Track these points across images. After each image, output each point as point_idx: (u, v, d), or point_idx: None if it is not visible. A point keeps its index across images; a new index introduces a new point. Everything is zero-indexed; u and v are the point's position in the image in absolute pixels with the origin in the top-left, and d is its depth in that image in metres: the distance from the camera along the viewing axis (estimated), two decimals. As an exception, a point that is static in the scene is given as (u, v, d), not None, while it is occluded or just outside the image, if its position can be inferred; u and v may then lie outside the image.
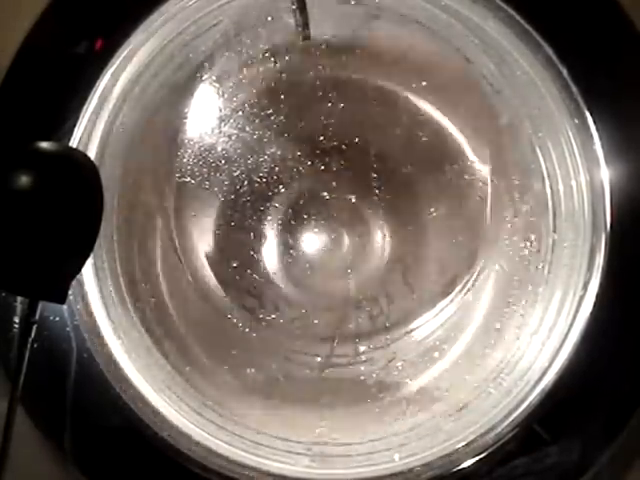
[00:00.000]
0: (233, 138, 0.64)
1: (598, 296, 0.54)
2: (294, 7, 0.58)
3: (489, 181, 0.64)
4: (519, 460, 0.54)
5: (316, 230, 0.66)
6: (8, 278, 0.45)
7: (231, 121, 0.64)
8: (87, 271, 0.56)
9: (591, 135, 0.54)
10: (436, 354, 0.64)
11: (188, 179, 0.64)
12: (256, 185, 0.65)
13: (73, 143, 0.54)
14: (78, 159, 0.48)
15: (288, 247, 0.66)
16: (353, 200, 0.66)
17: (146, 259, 0.63)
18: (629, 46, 0.54)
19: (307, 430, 0.60)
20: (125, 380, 0.55)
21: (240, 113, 0.64)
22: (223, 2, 0.58)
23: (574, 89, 0.54)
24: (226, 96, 0.64)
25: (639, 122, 0.54)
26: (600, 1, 0.54)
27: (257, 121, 0.64)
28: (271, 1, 0.60)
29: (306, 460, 0.57)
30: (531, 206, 0.61)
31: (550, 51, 0.54)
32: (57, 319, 0.54)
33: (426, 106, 0.65)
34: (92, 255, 0.50)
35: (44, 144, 0.47)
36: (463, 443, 0.55)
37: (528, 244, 0.61)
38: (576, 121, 0.55)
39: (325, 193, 0.66)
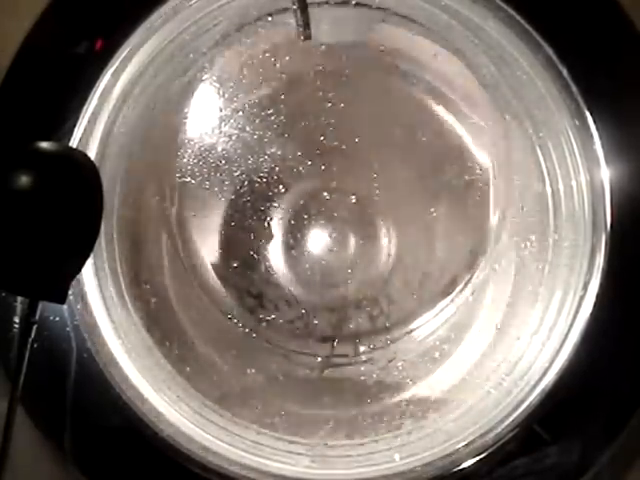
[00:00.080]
0: (233, 138, 0.64)
1: (598, 296, 0.54)
2: (294, 7, 0.58)
3: (489, 181, 0.64)
4: (519, 460, 0.54)
5: (316, 230, 0.66)
6: (8, 278, 0.45)
7: (231, 121, 0.64)
8: (87, 271, 0.56)
9: (591, 135, 0.54)
10: (436, 354, 0.64)
11: (188, 179, 0.64)
12: (256, 185, 0.65)
13: (73, 143, 0.54)
14: (78, 159, 0.48)
15: (288, 247, 0.66)
16: (353, 200, 0.66)
17: (146, 259, 0.63)
18: (629, 46, 0.54)
19: (307, 430, 0.60)
20: (125, 380, 0.55)
21: (240, 113, 0.64)
22: (223, 2, 0.58)
23: (574, 89, 0.54)
24: (226, 96, 0.64)
25: (639, 122, 0.54)
26: (600, 1, 0.54)
27: (257, 121, 0.64)
28: (271, 1, 0.60)
29: (306, 460, 0.57)
30: (531, 206, 0.61)
31: (550, 51, 0.54)
32: (57, 319, 0.54)
33: (426, 106, 0.65)
34: (92, 255, 0.50)
35: (44, 144, 0.47)
36: (463, 443, 0.55)
37: (528, 244, 0.61)
38: (576, 121, 0.55)
39: (325, 193, 0.66)
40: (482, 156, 0.65)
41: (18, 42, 0.53)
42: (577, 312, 0.55)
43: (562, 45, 0.54)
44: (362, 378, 0.64)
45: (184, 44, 0.59)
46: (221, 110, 0.64)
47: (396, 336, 0.66)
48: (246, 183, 0.65)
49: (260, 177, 0.65)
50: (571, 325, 0.55)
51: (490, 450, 0.54)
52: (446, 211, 0.66)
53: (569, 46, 0.54)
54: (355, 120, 0.64)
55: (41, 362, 0.53)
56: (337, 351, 0.66)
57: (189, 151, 0.64)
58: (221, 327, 0.65)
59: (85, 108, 0.54)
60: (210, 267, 0.66)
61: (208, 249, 0.66)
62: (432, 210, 0.66)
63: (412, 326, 0.66)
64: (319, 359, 0.65)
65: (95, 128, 0.55)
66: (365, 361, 0.65)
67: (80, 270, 0.48)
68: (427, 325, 0.66)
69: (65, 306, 0.53)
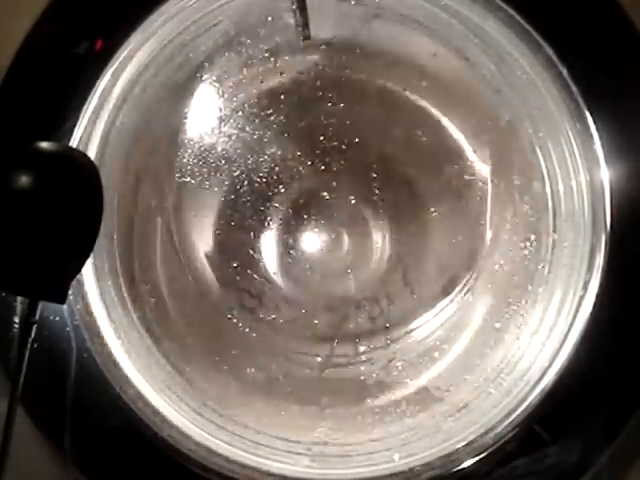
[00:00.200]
0: (233, 138, 0.64)
1: (598, 296, 0.54)
2: (294, 7, 0.58)
3: (489, 181, 0.64)
4: (519, 460, 0.54)
5: (316, 230, 0.66)
6: (8, 278, 0.45)
7: (231, 121, 0.64)
8: (87, 271, 0.56)
9: (591, 135, 0.54)
10: (436, 354, 0.64)
11: (188, 179, 0.64)
12: (256, 185, 0.65)
13: (73, 143, 0.54)
14: (78, 159, 0.48)
15: (288, 247, 0.66)
16: (353, 200, 0.66)
17: (146, 259, 0.63)
18: (629, 46, 0.54)
19: (307, 430, 0.60)
20: (125, 380, 0.55)
21: (240, 113, 0.64)
22: (223, 2, 0.58)
23: (574, 89, 0.54)
24: (226, 96, 0.64)
25: (639, 122, 0.54)
26: (600, 1, 0.54)
27: (257, 121, 0.64)
28: (271, 1, 0.60)
29: (306, 460, 0.57)
30: (531, 206, 0.61)
31: (550, 51, 0.54)
32: (57, 319, 0.54)
33: (426, 106, 0.65)
34: (92, 255, 0.50)
35: (44, 144, 0.47)
36: (463, 443, 0.55)
37: (528, 244, 0.61)
38: (576, 121, 0.55)
39: (325, 193, 0.66)
40: (482, 156, 0.65)
41: (18, 42, 0.53)
42: (577, 312, 0.55)
43: (562, 45, 0.54)
44: (362, 378, 0.64)
45: (184, 44, 0.59)
46: (221, 110, 0.64)
47: (396, 336, 0.66)
48: (246, 183, 0.65)
49: (260, 177, 0.65)
50: (571, 325, 0.55)
51: (490, 450, 0.54)
52: (446, 211, 0.66)
53: (569, 46, 0.54)
54: (355, 120, 0.64)
55: (41, 362, 0.53)
56: (337, 351, 0.66)
57: (189, 151, 0.64)
58: (221, 327, 0.65)
59: (85, 108, 0.54)
60: (210, 267, 0.66)
61: (208, 249, 0.66)
62: (432, 210, 0.66)
63: (412, 326, 0.66)
64: (319, 359, 0.65)
65: (95, 128, 0.55)
66: (365, 361, 0.65)
67: (80, 270, 0.48)
68: (427, 325, 0.66)
69: (65, 306, 0.53)
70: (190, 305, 0.65)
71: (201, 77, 0.62)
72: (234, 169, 0.64)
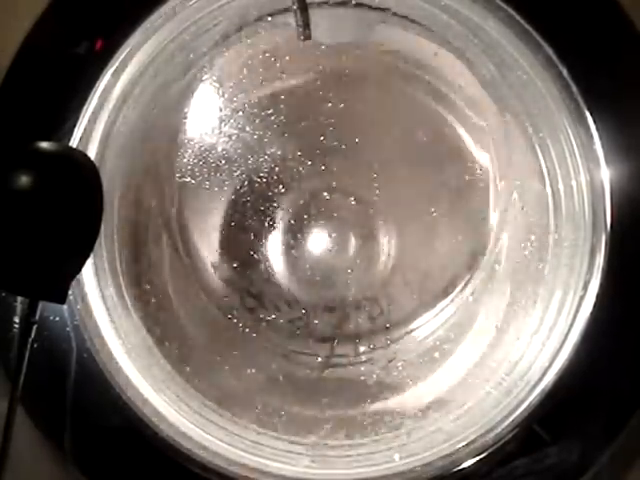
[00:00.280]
0: (233, 138, 0.64)
1: (598, 296, 0.54)
2: (294, 7, 0.58)
3: (489, 181, 0.64)
4: (519, 460, 0.54)
5: (316, 230, 0.66)
6: (8, 278, 0.45)
7: (231, 121, 0.64)
8: (87, 271, 0.56)
9: (591, 135, 0.54)
10: (436, 354, 0.64)
11: (188, 179, 0.64)
12: (256, 185, 0.65)
13: (73, 143, 0.54)
14: (78, 159, 0.48)
15: (288, 247, 0.66)
16: (353, 200, 0.66)
17: (146, 259, 0.63)
18: (629, 46, 0.54)
19: (307, 430, 0.60)
20: (125, 380, 0.55)
21: (240, 113, 0.64)
22: (223, 2, 0.58)
23: (574, 89, 0.54)
24: (226, 96, 0.64)
25: (639, 122, 0.54)
26: (600, 1, 0.54)
27: (257, 121, 0.64)
28: (271, 1, 0.60)
29: (306, 460, 0.57)
30: (531, 206, 0.61)
31: (550, 51, 0.54)
32: (57, 319, 0.54)
33: (426, 106, 0.65)
34: (92, 255, 0.50)
35: (44, 144, 0.47)
36: (463, 443, 0.55)
37: (528, 244, 0.61)
38: (576, 121, 0.55)
39: (325, 193, 0.66)
40: (482, 156, 0.65)
41: (18, 42, 0.53)
42: (577, 312, 0.55)
43: (562, 45, 0.54)
44: (362, 378, 0.64)
45: (184, 44, 0.59)
46: (221, 110, 0.64)
47: (396, 336, 0.66)
48: (246, 183, 0.65)
49: (260, 177, 0.65)
50: (571, 325, 0.55)
51: (490, 450, 0.54)
52: (446, 211, 0.66)
53: (569, 46, 0.54)
54: (355, 120, 0.64)
55: (41, 362, 0.53)
56: (337, 351, 0.66)
57: (189, 151, 0.64)
58: (221, 327, 0.65)
59: (85, 108, 0.54)
60: (210, 267, 0.66)
61: (208, 249, 0.66)
62: (432, 210, 0.66)
63: (412, 326, 0.66)
64: (319, 359, 0.65)
65: (95, 128, 0.55)
66: (365, 361, 0.65)
67: (80, 270, 0.48)
68: (427, 325, 0.66)
69: (65, 306, 0.53)
70: (191, 305, 0.65)
71: (201, 77, 0.62)
72: (234, 169, 0.64)
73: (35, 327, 0.45)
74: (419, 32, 0.61)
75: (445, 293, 0.66)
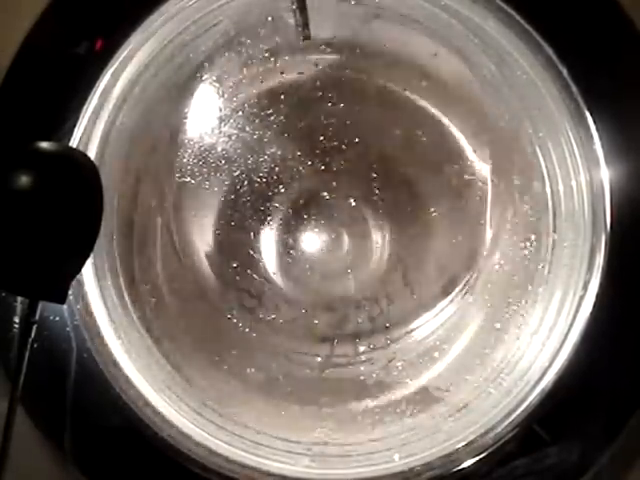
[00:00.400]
0: (233, 138, 0.64)
1: (598, 296, 0.54)
2: (294, 7, 0.58)
3: (489, 181, 0.64)
4: (519, 460, 0.54)
5: (316, 230, 0.66)
6: (8, 278, 0.45)
7: (231, 121, 0.64)
8: (87, 271, 0.56)
9: (591, 135, 0.54)
10: (436, 354, 0.64)
11: (188, 179, 0.64)
12: (256, 185, 0.65)
13: (73, 143, 0.54)
14: (78, 159, 0.48)
15: (288, 247, 0.66)
16: (353, 200, 0.66)
17: (146, 259, 0.63)
18: (629, 46, 0.54)
19: (307, 430, 0.60)
20: (125, 380, 0.55)
21: (240, 113, 0.64)
22: (223, 2, 0.58)
23: (574, 89, 0.54)
24: (226, 96, 0.64)
25: (639, 122, 0.54)
26: (600, 1, 0.54)
27: (257, 121, 0.64)
28: (271, 1, 0.60)
29: (306, 460, 0.57)
30: (531, 206, 0.61)
31: (550, 51, 0.54)
32: (57, 319, 0.54)
33: (426, 106, 0.65)
34: (92, 255, 0.50)
35: (44, 144, 0.47)
36: (463, 443, 0.55)
37: (528, 244, 0.61)
38: (576, 121, 0.55)
39: (325, 193, 0.66)
40: (482, 156, 0.65)
41: (18, 42, 0.53)
42: (577, 312, 0.55)
43: (562, 45, 0.54)
44: (362, 378, 0.64)
45: (184, 44, 0.59)
46: (221, 110, 0.64)
47: (396, 336, 0.66)
48: (246, 183, 0.65)
49: (260, 177, 0.65)
50: (571, 325, 0.55)
51: (490, 450, 0.54)
52: (445, 211, 0.66)
53: (569, 46, 0.54)
54: (355, 120, 0.64)
55: (41, 362, 0.53)
56: (337, 351, 0.66)
57: (189, 151, 0.64)
58: (221, 327, 0.65)
59: (85, 108, 0.54)
60: (210, 267, 0.66)
61: (208, 249, 0.66)
62: (431, 210, 0.66)
63: (412, 326, 0.66)
64: (319, 359, 0.65)
65: (95, 128, 0.55)
66: (365, 361, 0.65)
67: (80, 270, 0.48)
68: (427, 325, 0.66)
69: (65, 306, 0.53)
70: (190, 305, 0.65)
71: (201, 77, 0.62)
72: (234, 169, 0.64)
73: (35, 327, 0.45)
74: (419, 32, 0.61)
75: (445, 293, 0.66)
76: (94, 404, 0.54)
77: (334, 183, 0.66)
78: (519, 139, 0.60)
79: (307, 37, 0.59)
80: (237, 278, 0.66)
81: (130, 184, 0.61)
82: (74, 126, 0.54)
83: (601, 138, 0.54)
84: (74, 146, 0.53)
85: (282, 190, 0.65)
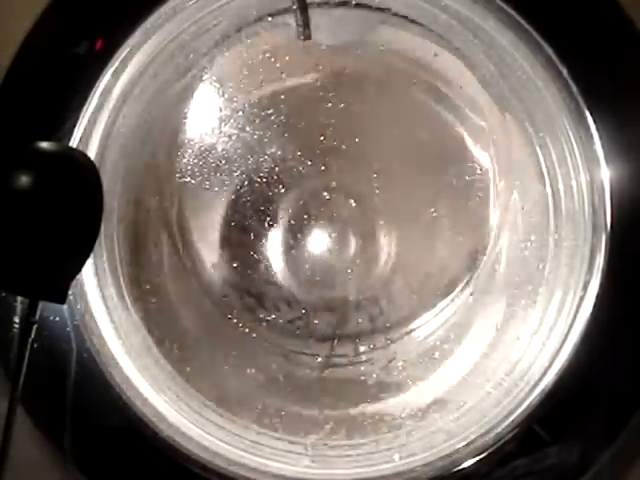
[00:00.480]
0: (233, 138, 0.64)
1: (598, 296, 0.54)
2: (294, 7, 0.58)
3: (489, 181, 0.64)
4: (519, 460, 0.54)
5: (316, 230, 0.66)
6: (8, 278, 0.45)
7: (231, 121, 0.64)
8: (87, 271, 0.56)
9: (591, 135, 0.54)
10: (436, 354, 0.64)
11: (188, 179, 0.64)
12: (256, 185, 0.65)
13: (73, 143, 0.54)
14: (78, 159, 0.48)
15: (288, 247, 0.66)
16: (353, 200, 0.66)
17: (146, 259, 0.63)
18: (629, 46, 0.54)
19: (307, 430, 0.60)
20: (125, 380, 0.55)
21: (240, 113, 0.64)
22: (223, 2, 0.58)
23: (574, 89, 0.54)
24: (226, 96, 0.64)
25: (639, 122, 0.54)
26: (600, 1, 0.54)
27: (257, 121, 0.64)
28: (271, 1, 0.60)
29: (306, 460, 0.57)
30: (531, 206, 0.61)
31: (550, 51, 0.54)
32: (57, 319, 0.54)
33: (426, 106, 0.65)
34: (92, 255, 0.50)
35: (44, 144, 0.47)
36: (463, 443, 0.55)
37: (528, 244, 0.61)
38: (576, 121, 0.55)
39: (325, 193, 0.66)
40: (482, 156, 0.65)
41: (18, 42, 0.53)
42: (577, 312, 0.55)
43: (562, 45, 0.54)
44: (362, 378, 0.64)
45: (184, 44, 0.59)
46: (221, 110, 0.64)
47: (396, 336, 0.66)
48: (246, 183, 0.65)
49: (260, 177, 0.65)
50: (571, 325, 0.55)
51: (490, 450, 0.54)
52: (446, 211, 0.66)
53: (569, 46, 0.54)
54: (355, 120, 0.64)
55: (41, 362, 0.53)
56: (337, 351, 0.66)
57: (189, 151, 0.64)
58: (221, 327, 0.65)
59: (85, 108, 0.54)
60: (210, 267, 0.66)
61: (208, 249, 0.66)
62: (432, 210, 0.66)
63: (412, 326, 0.66)
64: (319, 359, 0.65)
65: (95, 128, 0.55)
66: (365, 361, 0.65)
67: (80, 270, 0.48)
68: (427, 325, 0.66)
69: (65, 306, 0.53)
70: (190, 305, 0.65)
71: (201, 77, 0.62)
72: (234, 169, 0.64)
73: (35, 327, 0.45)
74: (419, 32, 0.61)
75: (445, 293, 0.66)
76: (94, 404, 0.54)
77: (334, 183, 0.66)
78: (519, 139, 0.60)
79: (307, 37, 0.59)
80: (237, 278, 0.66)
81: (130, 184, 0.61)
82: (74, 126, 0.54)
83: (601, 138, 0.54)
84: (74, 146, 0.53)
85: (282, 190, 0.65)
